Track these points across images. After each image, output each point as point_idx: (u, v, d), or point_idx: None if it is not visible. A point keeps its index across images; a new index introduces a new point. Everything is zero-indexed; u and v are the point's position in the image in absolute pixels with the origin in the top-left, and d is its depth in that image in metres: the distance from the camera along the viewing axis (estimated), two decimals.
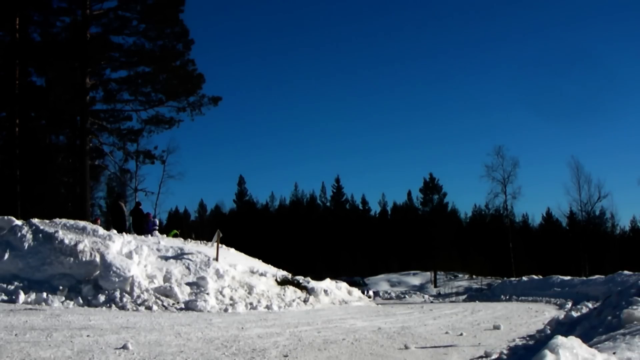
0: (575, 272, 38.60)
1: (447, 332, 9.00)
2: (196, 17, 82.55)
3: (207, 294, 12.17)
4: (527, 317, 12.82)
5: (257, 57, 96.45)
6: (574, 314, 9.55)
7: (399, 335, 8.54)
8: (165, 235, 18.05)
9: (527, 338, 8.25)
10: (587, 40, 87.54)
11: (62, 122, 26.41)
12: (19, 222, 12.80)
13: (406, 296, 40.30)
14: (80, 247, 11.98)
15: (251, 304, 12.56)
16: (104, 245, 12.29)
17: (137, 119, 26.40)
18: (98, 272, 11.76)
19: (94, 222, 19.38)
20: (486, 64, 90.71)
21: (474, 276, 52.73)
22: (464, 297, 35.45)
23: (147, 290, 11.70)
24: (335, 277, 22.72)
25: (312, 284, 15.48)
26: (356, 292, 17.95)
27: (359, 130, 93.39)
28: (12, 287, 11.23)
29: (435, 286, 49.84)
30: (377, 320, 10.73)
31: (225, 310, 11.68)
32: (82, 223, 13.54)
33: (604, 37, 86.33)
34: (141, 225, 18.41)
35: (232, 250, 17.01)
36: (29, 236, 12.27)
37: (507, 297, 25.73)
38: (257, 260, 17.14)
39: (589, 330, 6.12)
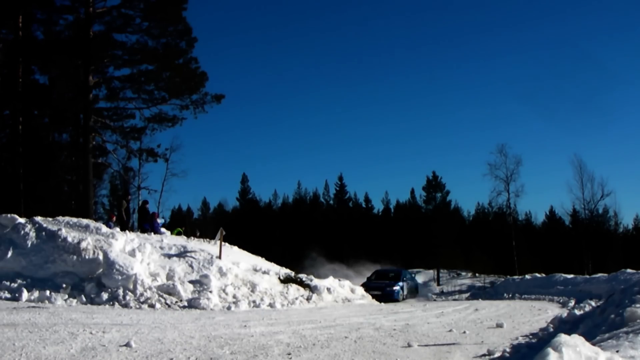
0: (578, 270, 38.51)
1: (450, 330, 9.00)
2: (199, 15, 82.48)
3: (210, 291, 12.18)
4: (530, 315, 12.80)
5: (260, 55, 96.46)
6: (577, 312, 9.52)
7: (401, 333, 8.54)
8: (170, 233, 18.11)
9: (530, 336, 8.24)
10: (590, 38, 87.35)
11: (65, 120, 26.43)
12: (22, 220, 12.83)
13: None
14: (83, 245, 12.00)
15: (254, 302, 12.57)
16: (107, 243, 12.31)
17: (140, 117, 26.46)
18: (101, 270, 11.79)
19: (110, 219, 19.41)
20: (488, 62, 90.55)
21: (476, 274, 52.67)
22: (466, 295, 35.39)
23: (150, 288, 11.72)
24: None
25: (315, 282, 15.48)
26: (359, 290, 17.93)
27: (362, 129, 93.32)
28: (15, 285, 11.27)
29: (438, 284, 49.78)
30: (380, 318, 10.73)
31: (228, 308, 11.70)
32: (85, 221, 13.56)
33: (607, 35, 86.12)
34: (145, 222, 18.45)
35: (235, 248, 17.03)
36: (32, 234, 12.29)
37: (510, 295, 25.70)
38: (260, 258, 17.15)
39: (592, 329, 6.10)
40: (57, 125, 26.84)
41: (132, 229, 17.99)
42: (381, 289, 22.21)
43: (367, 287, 21.17)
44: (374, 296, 19.96)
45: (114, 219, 18.88)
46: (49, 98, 25.29)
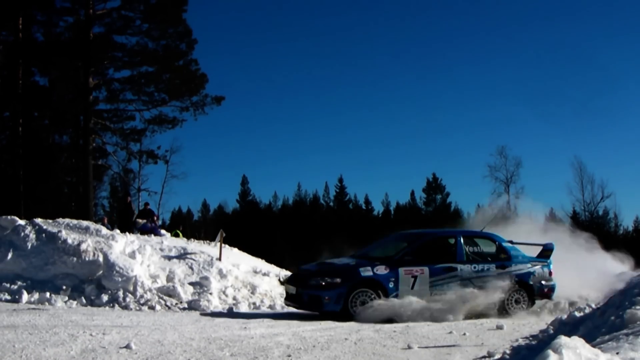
0: None
1: (450, 332, 8.97)
2: (199, 17, 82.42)
3: (210, 293, 12.17)
4: (530, 316, 12.76)
5: (260, 56, 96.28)
6: (577, 314, 9.50)
7: (401, 334, 8.53)
8: (169, 234, 18.09)
9: (530, 338, 8.21)
10: (590, 40, 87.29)
11: (65, 122, 26.49)
12: (22, 222, 12.82)
13: None
14: (83, 246, 11.99)
15: (254, 303, 12.56)
16: (107, 245, 12.30)
17: (140, 118, 26.50)
18: (101, 271, 11.78)
19: (98, 221, 19.43)
20: (488, 64, 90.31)
21: None
22: None
23: (150, 290, 11.72)
24: None
25: None
26: None
27: (362, 131, 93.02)
28: (15, 287, 11.28)
29: None
30: None
31: (229, 309, 11.69)
32: (85, 223, 13.55)
33: (608, 37, 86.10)
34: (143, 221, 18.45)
35: (235, 250, 16.98)
36: (32, 236, 12.29)
37: None
38: (260, 260, 17.11)
39: (592, 330, 6.10)
40: (57, 127, 26.89)
41: (132, 231, 17.99)
42: (299, 283, 10.44)
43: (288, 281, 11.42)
44: (288, 299, 10.82)
45: (105, 220, 18.89)
46: (49, 100, 25.34)
